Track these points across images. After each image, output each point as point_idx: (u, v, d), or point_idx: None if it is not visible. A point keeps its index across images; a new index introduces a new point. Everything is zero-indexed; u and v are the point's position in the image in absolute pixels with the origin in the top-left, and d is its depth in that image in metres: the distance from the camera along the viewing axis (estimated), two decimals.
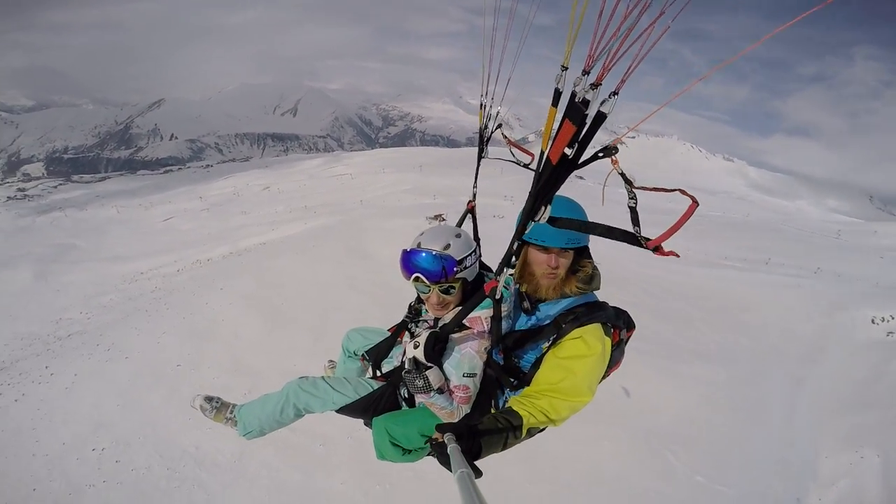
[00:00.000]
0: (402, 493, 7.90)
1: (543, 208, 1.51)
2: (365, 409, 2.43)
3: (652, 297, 14.52)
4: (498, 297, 1.94)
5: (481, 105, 2.51)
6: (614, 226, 1.63)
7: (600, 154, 1.38)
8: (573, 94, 1.22)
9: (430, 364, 2.00)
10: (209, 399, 2.70)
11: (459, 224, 2.72)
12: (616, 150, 1.36)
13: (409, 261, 2.19)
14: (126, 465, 8.81)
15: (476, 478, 1.42)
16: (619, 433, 8.22)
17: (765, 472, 7.79)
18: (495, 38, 2.06)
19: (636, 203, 1.46)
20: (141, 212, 50.42)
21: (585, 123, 1.24)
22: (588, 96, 1.20)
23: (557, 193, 1.55)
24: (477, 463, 1.70)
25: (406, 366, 2.02)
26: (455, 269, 2.15)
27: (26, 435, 9.81)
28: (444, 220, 21.27)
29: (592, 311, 2.12)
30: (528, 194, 1.51)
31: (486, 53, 2.17)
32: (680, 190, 1.47)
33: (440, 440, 1.75)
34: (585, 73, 1.19)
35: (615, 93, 1.22)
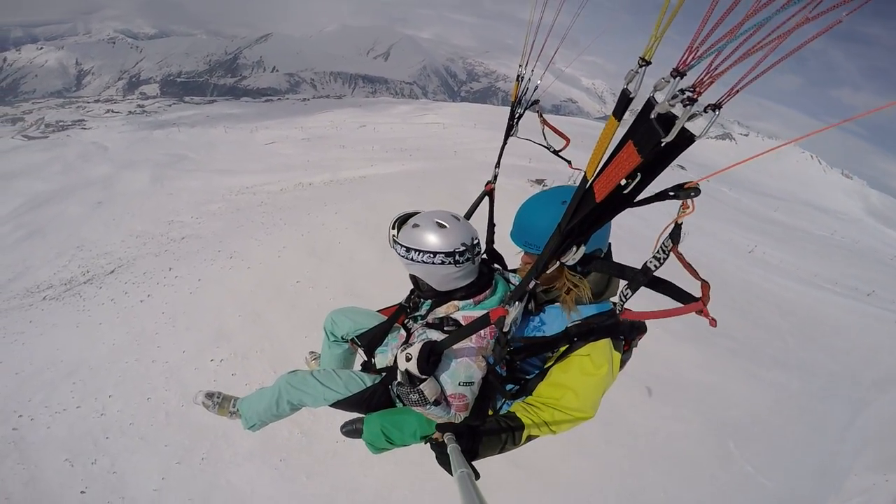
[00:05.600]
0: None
1: (575, 248, 1.12)
2: (357, 405, 2.22)
3: (748, 302, 13.98)
4: (506, 329, 1.59)
5: (518, 77, 2.19)
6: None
7: (671, 193, 0.93)
8: (648, 103, 0.76)
9: (423, 377, 1.73)
10: (210, 395, 2.57)
11: (471, 210, 2.53)
12: (698, 191, 0.93)
13: None
14: (241, 380, 8.29)
15: (475, 479, 1.40)
16: (693, 417, 8.42)
17: (803, 477, 7.91)
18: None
19: (658, 268, 1.07)
20: (246, 134, 52.62)
21: (655, 154, 0.76)
22: (676, 111, 0.73)
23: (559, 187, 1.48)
24: (476, 464, 1.63)
25: (398, 379, 1.78)
26: (392, 243, 2.05)
27: (149, 339, 9.62)
28: (545, 185, 19.49)
29: (606, 325, 1.78)
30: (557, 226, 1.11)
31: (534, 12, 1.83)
32: (704, 283, 1.06)
33: (440, 439, 1.73)
34: (678, 74, 0.73)
35: (717, 106, 0.73)
